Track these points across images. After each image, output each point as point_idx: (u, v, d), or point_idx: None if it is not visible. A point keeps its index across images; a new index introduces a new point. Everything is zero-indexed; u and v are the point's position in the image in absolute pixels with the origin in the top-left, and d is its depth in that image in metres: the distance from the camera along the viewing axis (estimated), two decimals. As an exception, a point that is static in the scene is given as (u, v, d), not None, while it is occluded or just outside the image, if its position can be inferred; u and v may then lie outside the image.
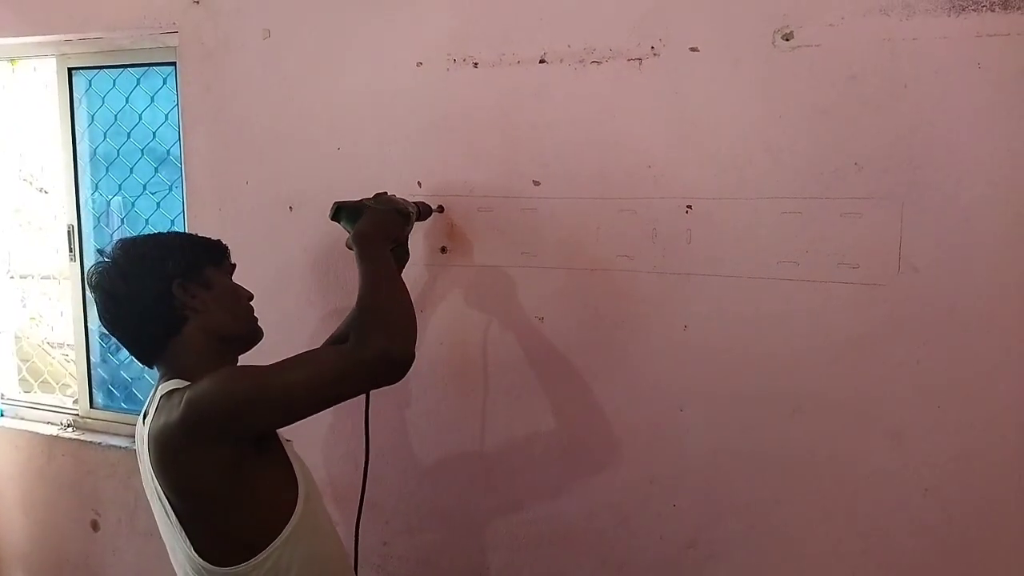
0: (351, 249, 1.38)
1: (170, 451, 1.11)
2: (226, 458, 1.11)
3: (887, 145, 1.36)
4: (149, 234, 1.33)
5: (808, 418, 1.47)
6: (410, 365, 1.16)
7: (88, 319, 2.41)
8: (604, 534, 1.66)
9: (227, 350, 1.28)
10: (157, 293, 1.21)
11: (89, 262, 2.39)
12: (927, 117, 1.33)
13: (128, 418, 2.39)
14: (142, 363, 1.28)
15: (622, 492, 1.63)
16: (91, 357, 2.43)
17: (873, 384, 1.42)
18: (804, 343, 1.45)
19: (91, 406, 2.45)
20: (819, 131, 1.39)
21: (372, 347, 1.13)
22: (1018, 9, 1.25)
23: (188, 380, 1.17)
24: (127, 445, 2.29)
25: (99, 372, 2.47)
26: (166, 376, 1.22)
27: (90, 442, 2.35)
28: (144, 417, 1.23)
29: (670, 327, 1.55)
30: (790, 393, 1.47)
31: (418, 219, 1.58)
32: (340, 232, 1.75)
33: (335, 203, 1.46)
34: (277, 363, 1.17)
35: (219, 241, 1.34)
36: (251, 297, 1.34)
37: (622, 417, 1.61)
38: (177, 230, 1.39)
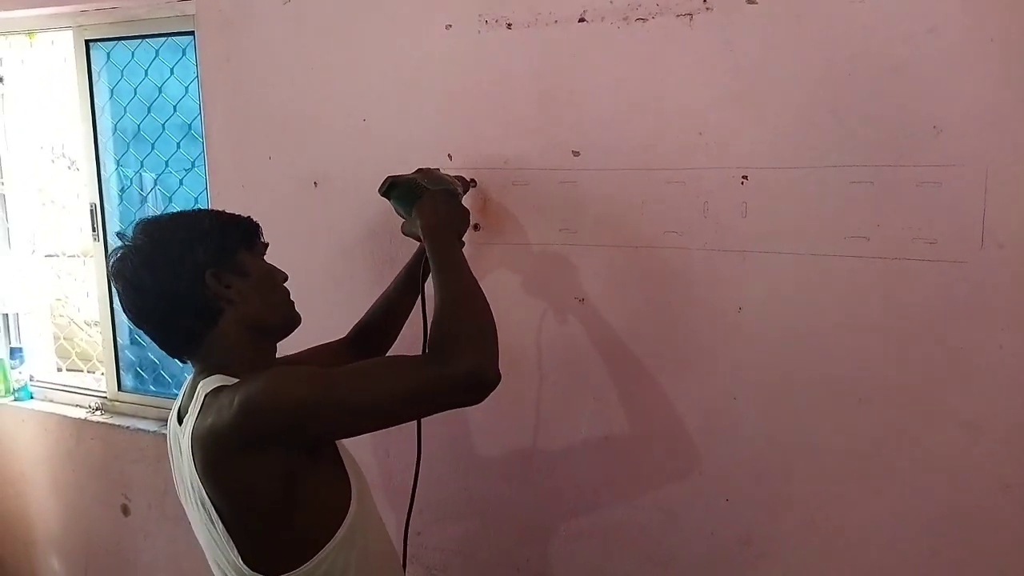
0: (408, 236, 1.33)
1: (220, 456, 1.02)
2: (282, 464, 1.03)
3: (969, 107, 1.21)
4: (173, 214, 1.20)
5: (875, 408, 1.34)
6: (497, 386, 1.07)
7: (114, 300, 2.36)
8: (649, 528, 1.56)
9: (265, 340, 1.19)
10: (188, 284, 1.09)
11: (112, 241, 2.33)
12: (1015, 75, 1.18)
13: (156, 401, 2.35)
14: (174, 357, 1.18)
15: (669, 485, 1.53)
16: (118, 339, 2.38)
17: (949, 371, 1.29)
18: (873, 326, 1.32)
19: (119, 389, 2.41)
20: (892, 91, 1.25)
21: (464, 364, 1.04)
22: None
23: (231, 376, 1.09)
24: (155, 429, 2.25)
25: (127, 354, 2.43)
26: (204, 372, 1.12)
27: (118, 426, 2.32)
28: (179, 415, 1.14)
29: (723, 309, 1.42)
30: (855, 381, 1.35)
31: None
32: (365, 209, 1.66)
33: (388, 177, 1.36)
34: (349, 370, 1.09)
35: (250, 219, 1.22)
36: (286, 278, 1.23)
37: (669, 405, 1.50)
38: (203, 208, 1.25)
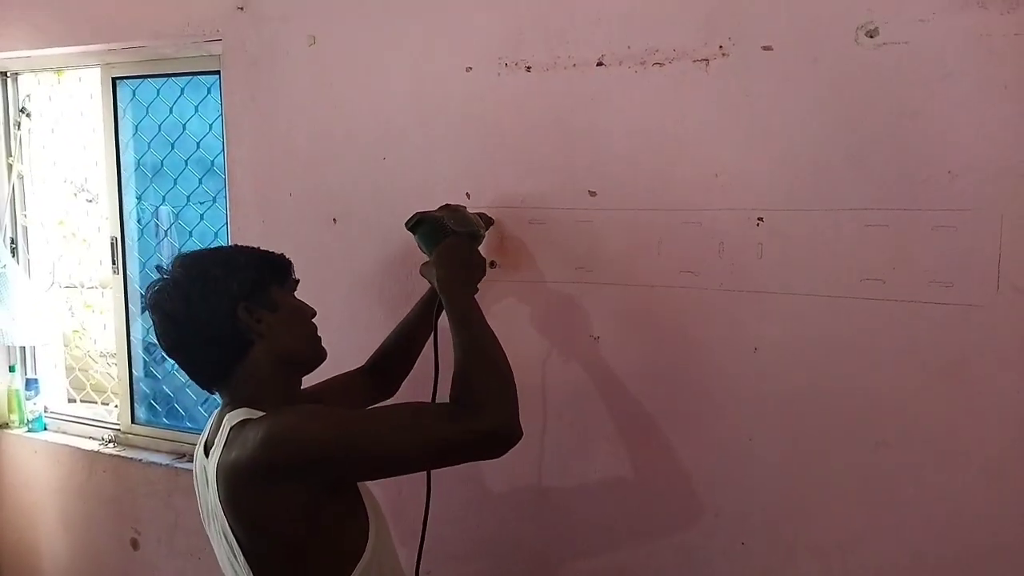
0: (425, 278, 1.36)
1: (242, 488, 1.04)
2: (302, 499, 1.04)
3: (985, 152, 1.23)
4: (209, 249, 1.25)
5: (894, 452, 1.33)
6: (519, 441, 1.10)
7: (131, 332, 2.38)
8: (664, 571, 1.54)
9: (292, 373, 1.22)
10: (221, 316, 1.13)
11: (133, 274, 2.36)
12: (1031, 120, 1.20)
13: (169, 434, 2.35)
14: (203, 388, 1.21)
15: (685, 527, 1.51)
16: (133, 371, 2.40)
17: (968, 416, 1.28)
18: (890, 369, 1.32)
19: (132, 421, 2.42)
20: (908, 136, 1.27)
21: (489, 422, 1.07)
22: None
23: (257, 409, 1.11)
24: (168, 462, 2.25)
25: (141, 386, 2.44)
26: (231, 404, 1.15)
27: (131, 458, 2.31)
28: (206, 447, 1.16)
29: (739, 350, 1.43)
30: (873, 424, 1.34)
31: None
32: (384, 246, 1.68)
33: (416, 214, 1.39)
34: (375, 416, 1.12)
35: (283, 256, 1.26)
36: (315, 314, 1.26)
37: (685, 446, 1.50)
38: (239, 244, 1.31)
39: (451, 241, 1.35)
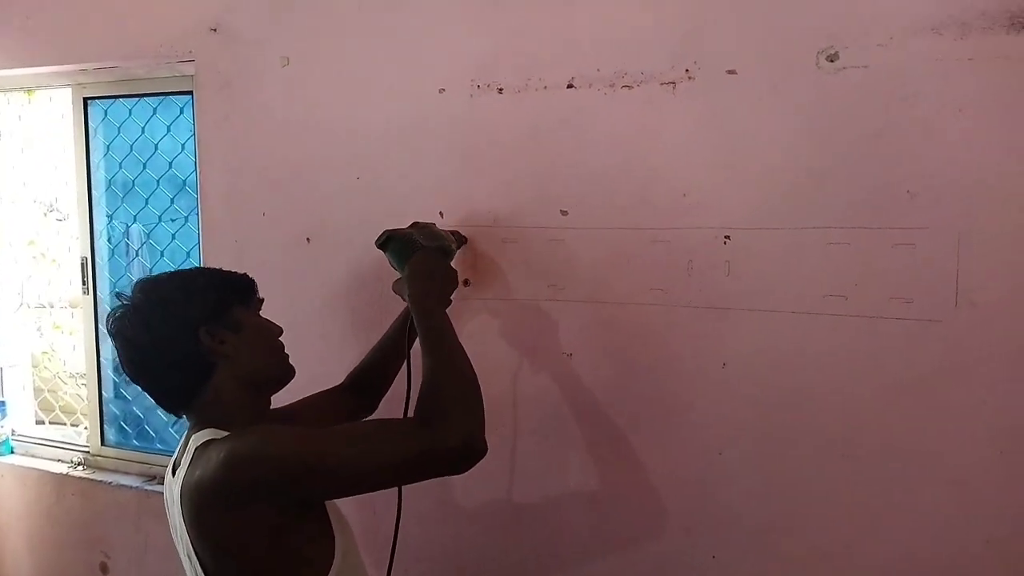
0: (397, 294, 1.36)
1: (205, 508, 1.03)
2: (265, 519, 1.03)
3: (942, 172, 1.27)
4: (171, 273, 1.25)
5: (860, 464, 1.36)
6: (483, 457, 1.08)
7: (100, 353, 2.36)
8: (637, 586, 1.56)
9: (259, 393, 1.21)
10: (183, 341, 1.13)
11: (103, 293, 2.34)
12: (985, 142, 1.24)
13: (140, 456, 2.32)
14: (169, 412, 1.20)
15: (656, 541, 1.53)
16: (103, 392, 2.37)
17: (931, 428, 1.31)
18: (854, 383, 1.35)
19: (102, 443, 2.39)
20: (868, 157, 1.31)
21: (453, 437, 1.05)
22: (1085, 25, 1.17)
23: (223, 429, 1.11)
24: (138, 485, 2.22)
25: (111, 408, 2.41)
26: (198, 426, 1.15)
27: (100, 481, 2.28)
28: (175, 469, 1.16)
29: (708, 365, 1.45)
30: (838, 437, 1.37)
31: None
32: (358, 265, 1.69)
33: (385, 231, 1.40)
34: (338, 434, 1.11)
35: (245, 276, 1.25)
36: (281, 332, 1.26)
37: (657, 461, 1.52)
38: (200, 266, 1.30)
39: (421, 255, 1.36)
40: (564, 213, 1.54)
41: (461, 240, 1.58)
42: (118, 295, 1.19)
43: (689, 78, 1.42)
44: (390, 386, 1.56)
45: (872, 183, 1.31)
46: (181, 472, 1.10)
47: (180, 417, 1.20)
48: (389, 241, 1.40)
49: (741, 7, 1.37)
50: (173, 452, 1.22)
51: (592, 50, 1.49)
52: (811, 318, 1.37)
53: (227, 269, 1.25)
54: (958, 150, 1.26)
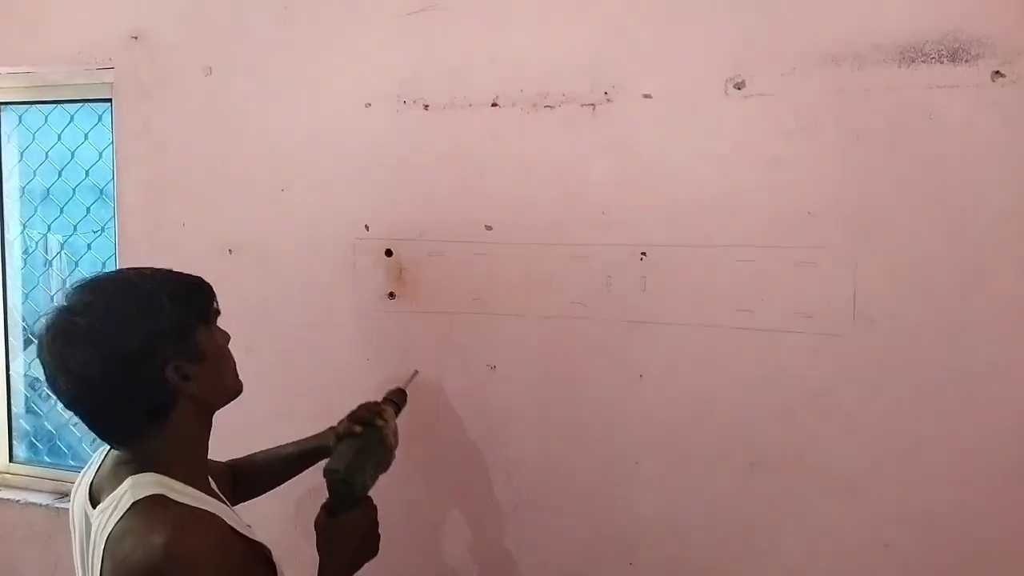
0: (327, 481, 1.20)
1: None
2: None
3: (840, 194, 1.35)
4: (121, 285, 1.01)
5: (765, 472, 1.43)
6: None
7: (10, 367, 2.27)
8: (557, 594, 1.59)
9: (209, 419, 1.10)
10: (144, 380, 0.97)
11: (15, 304, 2.25)
12: (879, 167, 1.33)
13: (51, 473, 2.23)
14: (111, 446, 1.06)
15: (575, 552, 1.57)
16: (12, 407, 2.28)
17: (829, 437, 1.39)
18: (760, 394, 1.42)
19: (11, 460, 2.29)
20: (772, 179, 1.38)
21: None
22: (966, 62, 1.26)
23: (168, 476, 0.99)
24: (48, 503, 2.14)
25: (21, 423, 2.32)
26: (142, 466, 1.00)
27: (8, 499, 2.19)
28: (95, 495, 1.03)
29: (625, 377, 1.50)
30: (746, 447, 1.44)
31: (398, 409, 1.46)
32: (280, 276, 1.68)
33: (341, 469, 1.21)
34: None
35: (202, 282, 1.09)
36: (230, 339, 1.13)
37: (575, 471, 1.55)
38: (145, 270, 1.06)
39: (357, 517, 1.20)
40: (488, 228, 1.57)
41: (402, 403, 1.49)
42: (62, 310, 0.97)
43: (608, 100, 1.47)
44: (262, 495, 1.43)
45: (776, 204, 1.38)
46: (109, 514, 0.96)
47: (114, 447, 1.06)
48: (345, 482, 1.21)
49: (657, 35, 1.43)
50: (87, 466, 1.11)
51: (516, 71, 1.53)
52: (721, 331, 1.43)
53: (177, 271, 1.09)
54: (855, 175, 1.34)
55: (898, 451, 1.35)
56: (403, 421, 1.67)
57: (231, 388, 1.11)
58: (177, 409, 1.02)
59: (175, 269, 1.08)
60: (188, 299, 1.05)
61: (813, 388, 1.38)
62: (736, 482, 1.44)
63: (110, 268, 2.10)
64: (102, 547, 0.96)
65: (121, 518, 0.95)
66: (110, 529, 0.96)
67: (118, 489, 0.99)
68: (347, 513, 1.19)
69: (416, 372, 1.57)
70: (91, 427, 1.01)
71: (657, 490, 1.50)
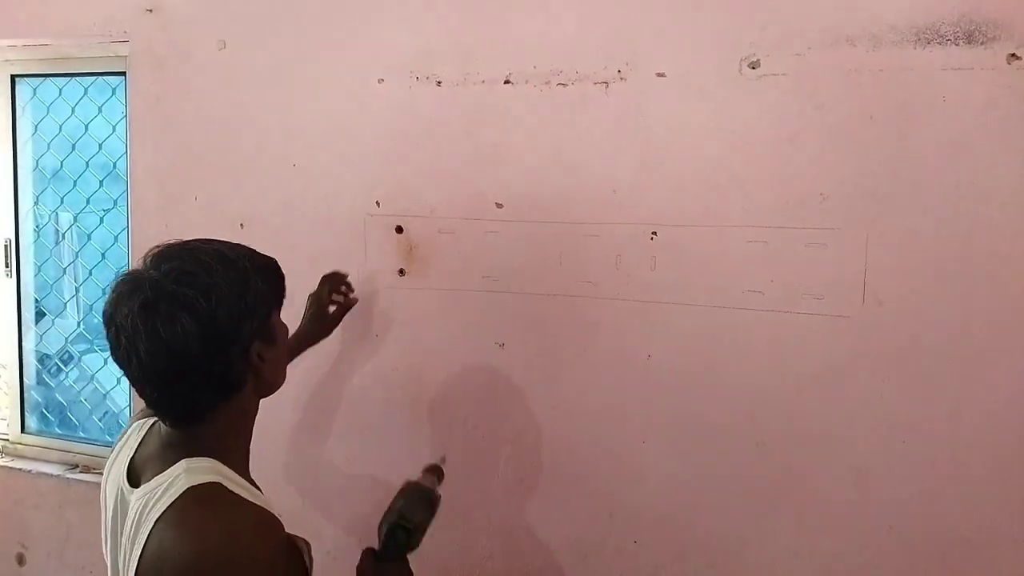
0: (392, 526, 1.19)
1: None
2: None
3: (852, 176, 1.35)
4: (216, 255, 0.96)
5: (772, 452, 1.43)
6: None
7: (23, 338, 2.29)
8: (561, 571, 1.60)
9: (257, 408, 1.05)
10: (234, 358, 0.94)
11: (27, 278, 2.27)
12: (892, 149, 1.32)
13: (62, 444, 2.26)
14: (169, 423, 0.99)
15: (582, 528, 1.58)
16: (24, 379, 2.30)
17: (836, 418, 1.39)
18: (768, 375, 1.42)
19: (22, 431, 2.32)
20: (784, 160, 1.38)
21: None
22: (981, 44, 1.26)
23: (223, 463, 0.96)
24: (59, 473, 2.16)
25: (32, 395, 2.34)
26: (192, 444, 0.96)
27: (19, 469, 2.22)
28: (135, 472, 0.99)
29: (633, 356, 1.51)
30: (754, 426, 1.44)
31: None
32: (292, 251, 1.69)
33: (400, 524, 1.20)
34: None
35: (278, 265, 1.06)
36: (287, 331, 1.11)
37: (583, 449, 1.56)
38: (231, 243, 1.02)
39: (405, 569, 1.21)
40: (499, 206, 1.58)
41: (441, 477, 1.38)
42: (138, 277, 0.92)
43: (621, 79, 1.47)
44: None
45: (787, 185, 1.38)
46: (159, 498, 0.92)
47: (174, 427, 0.99)
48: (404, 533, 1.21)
49: (672, 13, 1.43)
50: (122, 438, 1.08)
51: (529, 48, 1.53)
52: (730, 312, 1.43)
53: (252, 249, 1.04)
54: (868, 157, 1.34)
55: (904, 433, 1.35)
56: (411, 397, 1.69)
57: (283, 378, 1.07)
58: (241, 393, 0.98)
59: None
60: (272, 280, 1.02)
61: (821, 369, 1.39)
62: (743, 461, 1.45)
63: (122, 242, 2.11)
64: (148, 529, 0.91)
65: (173, 502, 0.91)
66: (160, 512, 0.91)
67: (168, 471, 0.95)
68: (393, 563, 1.19)
69: (444, 458, 1.43)
70: (158, 400, 0.96)
71: (663, 468, 1.51)
